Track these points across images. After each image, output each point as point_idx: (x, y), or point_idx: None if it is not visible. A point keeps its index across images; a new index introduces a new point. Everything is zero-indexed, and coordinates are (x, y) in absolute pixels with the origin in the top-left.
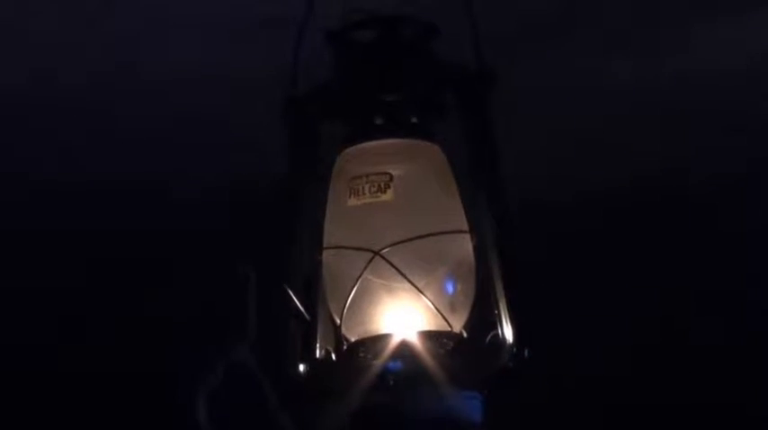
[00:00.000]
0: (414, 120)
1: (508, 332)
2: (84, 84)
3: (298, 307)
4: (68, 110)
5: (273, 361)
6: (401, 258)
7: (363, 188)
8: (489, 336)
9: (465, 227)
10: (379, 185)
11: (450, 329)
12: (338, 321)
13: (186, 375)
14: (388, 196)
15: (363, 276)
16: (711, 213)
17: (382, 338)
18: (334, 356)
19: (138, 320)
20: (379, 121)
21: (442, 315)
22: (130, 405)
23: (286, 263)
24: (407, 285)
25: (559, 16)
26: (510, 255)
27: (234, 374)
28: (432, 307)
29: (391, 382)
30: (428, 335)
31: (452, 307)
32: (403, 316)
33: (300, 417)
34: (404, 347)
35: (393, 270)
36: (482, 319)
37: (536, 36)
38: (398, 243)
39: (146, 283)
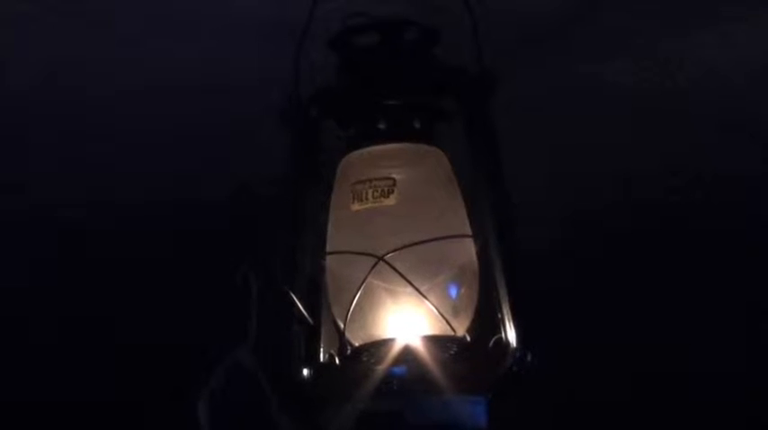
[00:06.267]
0: (416, 124)
1: (511, 336)
2: (85, 85)
3: (302, 311)
4: (69, 112)
5: (274, 363)
6: (404, 263)
7: (367, 193)
8: (493, 340)
9: (468, 231)
10: (383, 190)
11: (453, 334)
12: (342, 326)
13: (186, 377)
14: (391, 201)
15: (367, 281)
16: (712, 214)
17: (386, 343)
18: (337, 361)
19: (138, 320)
20: (381, 126)
21: (445, 319)
22: (130, 405)
23: (290, 267)
24: (411, 290)
25: (559, 20)
26: (513, 258)
27: (235, 376)
28: (435, 311)
29: (395, 387)
30: (432, 340)
31: (456, 311)
32: (406, 320)
33: (304, 422)
34: (407, 352)
35: (397, 275)
36: (485, 323)
37: (536, 40)
38: (402, 248)
39: (146, 283)
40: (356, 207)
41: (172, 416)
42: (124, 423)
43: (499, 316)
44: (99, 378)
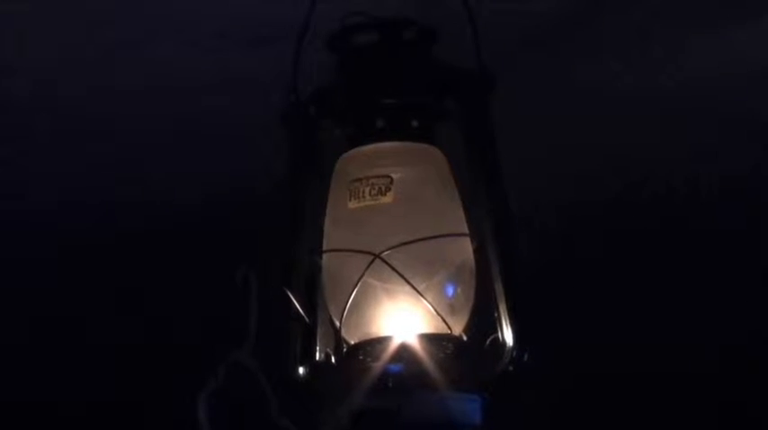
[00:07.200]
0: (414, 123)
1: (508, 335)
2: (85, 86)
3: (298, 309)
4: (69, 112)
5: (274, 363)
6: (401, 261)
7: (364, 191)
8: (489, 339)
9: (465, 230)
10: (380, 188)
11: (449, 332)
12: (338, 324)
13: (186, 376)
14: (388, 199)
15: (363, 279)
16: (712, 214)
17: (382, 341)
18: (333, 359)
19: (138, 320)
20: (379, 125)
21: (441, 318)
22: (129, 405)
23: (286, 265)
24: (407, 288)
25: (559, 20)
26: (510, 257)
27: (234, 376)
28: (432, 310)
29: (391, 385)
30: (428, 338)
31: (452, 310)
32: (403, 318)
33: (300, 420)
34: (404, 350)
35: (393, 272)
36: (482, 322)
37: (535, 40)
38: (398, 246)
39: (146, 283)
40: (353, 205)
41: (172, 416)
42: (124, 423)
43: (496, 315)
44: (99, 378)
